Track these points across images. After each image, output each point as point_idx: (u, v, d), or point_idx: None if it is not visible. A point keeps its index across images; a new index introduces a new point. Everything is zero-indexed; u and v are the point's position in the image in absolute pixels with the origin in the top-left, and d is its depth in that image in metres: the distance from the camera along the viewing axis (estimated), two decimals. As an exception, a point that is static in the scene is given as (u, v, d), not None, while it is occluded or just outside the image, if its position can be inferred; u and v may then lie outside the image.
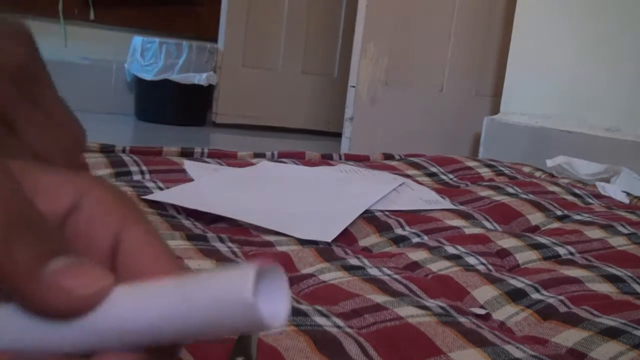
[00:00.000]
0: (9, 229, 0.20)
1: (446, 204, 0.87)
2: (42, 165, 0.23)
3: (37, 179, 0.22)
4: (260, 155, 1.02)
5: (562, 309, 0.55)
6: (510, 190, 0.94)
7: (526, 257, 0.69)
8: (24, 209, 0.20)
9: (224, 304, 0.20)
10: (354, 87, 2.28)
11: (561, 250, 0.71)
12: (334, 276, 0.57)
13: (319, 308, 0.49)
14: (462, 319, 0.50)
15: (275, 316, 0.20)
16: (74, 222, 0.23)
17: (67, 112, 0.32)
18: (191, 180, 0.83)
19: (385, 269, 0.60)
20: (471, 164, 1.12)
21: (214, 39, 3.01)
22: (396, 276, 0.59)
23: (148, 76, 2.83)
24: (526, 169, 1.17)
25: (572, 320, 0.52)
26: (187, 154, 0.96)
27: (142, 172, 0.84)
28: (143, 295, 0.21)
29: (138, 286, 0.21)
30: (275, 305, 0.20)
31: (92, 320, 0.21)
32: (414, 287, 0.56)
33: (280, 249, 0.65)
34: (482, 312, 0.55)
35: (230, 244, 0.64)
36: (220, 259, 0.58)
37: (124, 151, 0.92)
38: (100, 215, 0.23)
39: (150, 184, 0.79)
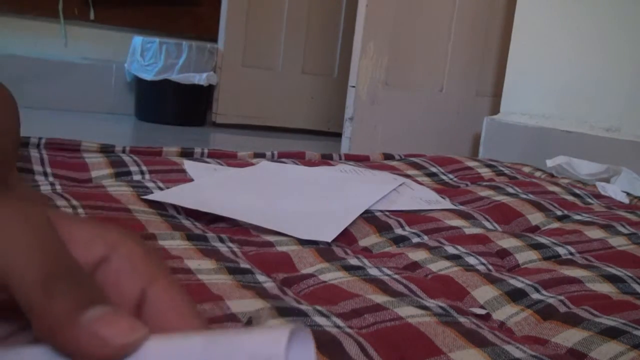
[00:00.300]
0: (49, 277, 0.20)
1: (446, 204, 0.87)
2: (75, 217, 0.24)
3: (70, 230, 0.23)
4: (260, 155, 1.02)
5: (562, 309, 0.55)
6: (510, 190, 0.94)
7: (526, 257, 0.69)
8: (63, 259, 0.21)
9: None
10: (354, 87, 2.28)
11: (561, 250, 0.71)
12: (334, 276, 0.57)
13: (319, 308, 0.49)
14: (462, 319, 0.50)
15: None
16: (103, 273, 0.24)
17: (29, 189, 0.35)
18: (191, 180, 0.83)
19: (385, 269, 0.60)
20: (471, 164, 1.12)
21: (214, 39, 3.01)
22: (396, 276, 0.59)
23: (148, 76, 2.83)
24: (526, 169, 1.17)
25: (572, 320, 0.52)
26: (187, 154, 0.96)
27: (142, 172, 0.84)
28: (174, 349, 0.21)
29: (169, 339, 0.22)
30: None
31: None
32: (414, 287, 0.56)
33: (280, 249, 0.65)
34: (482, 312, 0.55)
35: (230, 244, 0.64)
36: (220, 259, 0.58)
37: (124, 151, 0.92)
38: (129, 269, 0.24)
39: (150, 184, 0.79)
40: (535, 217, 0.85)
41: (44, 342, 0.21)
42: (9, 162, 0.30)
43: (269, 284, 0.55)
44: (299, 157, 1.04)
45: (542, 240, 0.73)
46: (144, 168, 0.85)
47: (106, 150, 0.91)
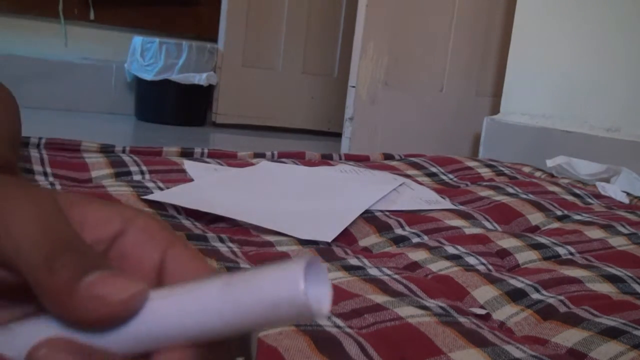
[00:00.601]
0: (50, 250, 0.21)
1: (446, 204, 0.87)
2: (91, 198, 0.25)
3: (85, 211, 0.24)
4: (260, 155, 1.02)
5: (562, 309, 0.55)
6: (510, 190, 0.94)
7: (526, 257, 0.69)
8: (65, 234, 0.22)
9: (275, 303, 0.21)
10: (354, 87, 2.28)
11: (561, 250, 0.71)
12: (334, 276, 0.57)
13: (319, 308, 0.49)
14: (462, 319, 0.50)
15: (321, 306, 0.21)
16: (120, 245, 0.25)
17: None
18: (191, 180, 0.83)
19: (385, 269, 0.60)
20: (471, 164, 1.12)
21: (214, 39, 3.01)
22: (396, 276, 0.59)
23: (148, 76, 2.83)
24: (526, 169, 1.17)
25: (572, 320, 0.52)
26: (187, 154, 0.96)
27: (142, 172, 0.84)
28: (191, 297, 0.22)
29: (185, 288, 0.22)
30: (320, 295, 0.22)
31: (137, 324, 0.22)
32: (414, 287, 0.56)
33: (280, 249, 0.65)
34: (482, 312, 0.54)
35: (230, 244, 0.64)
36: (220, 259, 0.58)
37: (124, 151, 0.92)
38: (146, 239, 0.25)
39: (150, 184, 0.79)
40: (535, 217, 0.85)
41: (53, 317, 0.22)
42: (10, 158, 0.30)
43: (269, 284, 0.54)
44: (299, 157, 1.04)
45: (542, 240, 0.73)
46: (144, 168, 0.85)
47: (106, 150, 0.91)
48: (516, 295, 0.57)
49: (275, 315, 0.21)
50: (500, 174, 1.09)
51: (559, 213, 0.87)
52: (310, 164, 1.00)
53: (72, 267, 0.21)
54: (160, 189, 0.77)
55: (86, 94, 2.90)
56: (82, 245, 0.22)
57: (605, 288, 0.61)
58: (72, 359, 0.21)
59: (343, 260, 0.62)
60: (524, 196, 0.91)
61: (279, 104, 3.16)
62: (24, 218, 0.22)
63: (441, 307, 0.52)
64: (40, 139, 0.89)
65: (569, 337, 0.50)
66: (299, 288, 0.20)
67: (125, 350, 0.22)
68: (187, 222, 0.69)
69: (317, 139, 3.05)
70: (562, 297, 0.57)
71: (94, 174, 0.82)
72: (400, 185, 0.90)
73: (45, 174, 0.78)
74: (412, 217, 0.78)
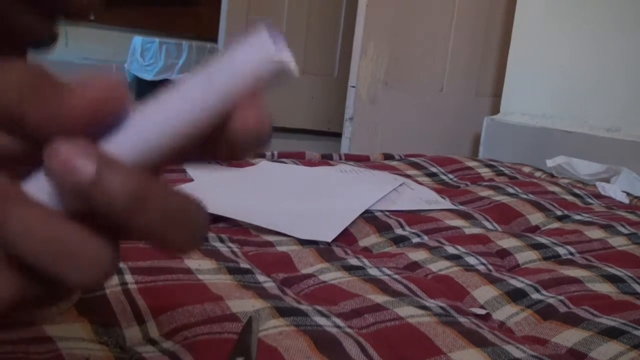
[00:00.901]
0: (33, 81, 0.24)
1: (446, 204, 0.87)
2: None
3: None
4: (260, 155, 1.02)
5: (562, 309, 0.55)
6: (510, 190, 0.94)
7: (526, 257, 0.69)
8: (48, 77, 0.25)
9: (258, 68, 0.25)
10: (354, 87, 2.28)
11: (561, 250, 0.71)
12: (334, 276, 0.57)
13: (319, 308, 0.49)
14: (462, 319, 0.50)
15: (292, 64, 0.25)
16: None
17: None
18: (191, 180, 0.83)
19: (385, 269, 0.60)
20: (471, 164, 1.12)
21: (214, 39, 3.01)
22: (396, 276, 0.59)
23: (148, 76, 2.83)
24: (526, 169, 1.17)
25: (572, 320, 0.52)
26: (187, 154, 0.96)
27: (142, 172, 0.84)
28: (178, 92, 0.24)
29: (171, 90, 0.24)
30: (287, 57, 0.25)
31: (135, 131, 0.24)
32: (414, 287, 0.56)
33: (280, 249, 0.65)
34: (482, 312, 0.54)
35: (230, 244, 0.64)
36: (220, 259, 0.58)
37: (124, 151, 0.91)
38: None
39: (150, 184, 0.78)
40: (535, 217, 0.85)
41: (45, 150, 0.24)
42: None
43: (269, 284, 0.55)
44: (299, 157, 1.04)
45: (542, 240, 0.73)
46: (144, 168, 0.85)
47: (106, 150, 0.91)
48: (516, 295, 0.57)
49: (257, 79, 0.25)
50: (500, 174, 1.09)
51: (559, 213, 0.87)
52: (310, 164, 1.00)
53: (56, 87, 0.24)
54: (160, 189, 0.77)
55: (86, 94, 2.90)
56: (60, 84, 0.24)
57: (605, 288, 0.61)
58: (90, 154, 0.23)
59: (343, 260, 0.62)
60: (524, 196, 0.91)
61: (279, 104, 3.16)
62: (13, 78, 0.24)
63: (441, 307, 0.52)
64: (40, 139, 0.89)
65: (569, 337, 0.50)
66: (271, 50, 0.24)
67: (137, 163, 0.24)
68: (187, 222, 0.69)
69: (317, 139, 3.05)
70: (562, 297, 0.57)
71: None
72: (400, 185, 0.90)
73: (45, 174, 0.78)
74: (412, 217, 0.78)
